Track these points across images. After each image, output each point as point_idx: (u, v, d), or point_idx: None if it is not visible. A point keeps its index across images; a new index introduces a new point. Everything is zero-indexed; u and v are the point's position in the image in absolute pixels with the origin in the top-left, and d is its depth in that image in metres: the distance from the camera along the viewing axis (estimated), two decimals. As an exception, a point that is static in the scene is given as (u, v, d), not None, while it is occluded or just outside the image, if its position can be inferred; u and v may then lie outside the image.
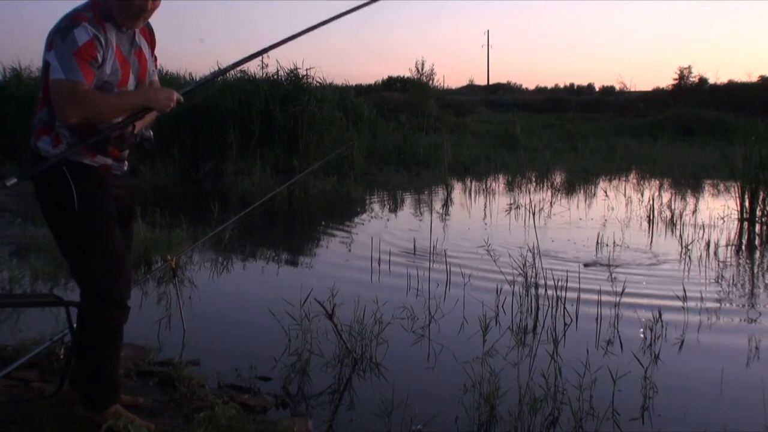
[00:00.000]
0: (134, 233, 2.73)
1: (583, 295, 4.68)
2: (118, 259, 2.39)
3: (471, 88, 47.77)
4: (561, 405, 3.02)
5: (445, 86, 33.59)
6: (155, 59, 2.60)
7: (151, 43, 2.55)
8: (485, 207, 9.45)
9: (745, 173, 8.14)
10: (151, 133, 2.52)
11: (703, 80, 34.37)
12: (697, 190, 11.23)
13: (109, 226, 2.37)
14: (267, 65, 13.84)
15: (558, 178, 12.30)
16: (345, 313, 3.90)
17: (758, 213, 7.91)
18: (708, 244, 6.63)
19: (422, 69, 26.62)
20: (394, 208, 9.54)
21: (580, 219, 8.28)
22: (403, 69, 38.61)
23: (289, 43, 2.54)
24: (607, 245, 6.57)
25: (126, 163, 2.52)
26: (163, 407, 2.79)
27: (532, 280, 4.77)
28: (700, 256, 6.26)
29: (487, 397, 2.92)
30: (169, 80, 13.74)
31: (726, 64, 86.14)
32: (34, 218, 6.27)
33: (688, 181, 12.05)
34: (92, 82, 2.23)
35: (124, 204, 2.51)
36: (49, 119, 2.31)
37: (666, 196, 9.88)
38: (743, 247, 6.99)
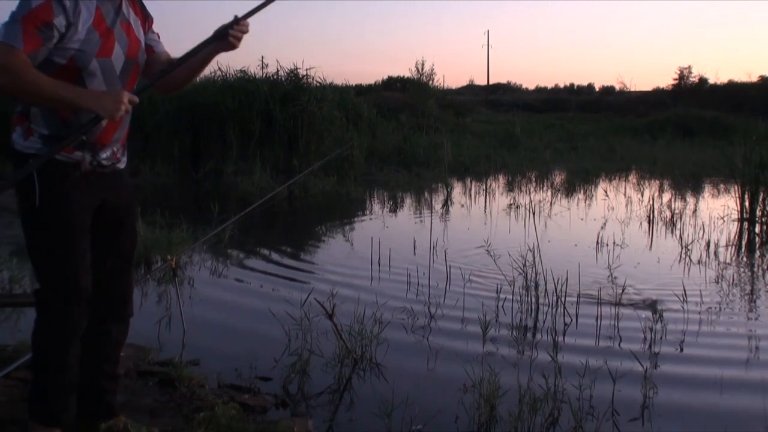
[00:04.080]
0: (136, 238, 2.47)
1: (583, 295, 4.69)
2: (72, 268, 2.17)
3: (471, 88, 47.86)
4: (561, 405, 3.01)
5: (445, 86, 33.64)
6: (156, 34, 2.38)
7: (143, 21, 2.33)
8: (485, 207, 9.45)
9: (745, 173, 8.14)
10: (108, 154, 2.21)
11: (703, 80, 34.40)
12: (697, 190, 11.23)
13: (71, 232, 2.15)
14: (267, 65, 13.89)
15: (558, 178, 12.30)
16: (345, 313, 3.90)
17: (758, 213, 7.91)
18: (708, 244, 6.63)
19: (422, 69, 26.62)
20: (394, 208, 9.54)
21: (581, 219, 8.28)
22: (403, 69, 38.69)
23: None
24: (607, 245, 6.58)
25: (121, 160, 2.31)
26: (163, 407, 2.79)
27: (532, 280, 4.77)
28: (700, 256, 6.26)
29: (487, 397, 2.91)
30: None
31: (726, 64, 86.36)
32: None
33: (688, 181, 12.05)
34: (34, 50, 1.98)
35: (117, 205, 2.32)
36: (23, 108, 2.14)
37: (666, 196, 9.88)
38: (743, 247, 6.99)
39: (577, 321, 4.30)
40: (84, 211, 2.20)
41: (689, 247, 6.53)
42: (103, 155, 2.20)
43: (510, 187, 11.34)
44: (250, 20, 2.26)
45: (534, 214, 8.04)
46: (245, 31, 2.24)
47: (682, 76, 34.88)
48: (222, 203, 7.44)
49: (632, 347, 3.80)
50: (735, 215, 8.09)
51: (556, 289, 4.54)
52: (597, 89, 46.36)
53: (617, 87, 40.25)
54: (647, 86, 60.93)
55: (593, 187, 11.43)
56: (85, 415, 2.40)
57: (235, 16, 2.23)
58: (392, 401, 2.84)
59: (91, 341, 2.37)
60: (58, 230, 2.15)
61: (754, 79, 32.94)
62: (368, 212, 9.11)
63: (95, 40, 2.09)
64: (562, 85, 50.45)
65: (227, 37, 2.22)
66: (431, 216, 8.46)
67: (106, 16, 2.13)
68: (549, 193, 10.52)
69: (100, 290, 2.33)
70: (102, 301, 2.34)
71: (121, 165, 2.32)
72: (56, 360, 2.23)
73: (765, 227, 7.74)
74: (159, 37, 2.40)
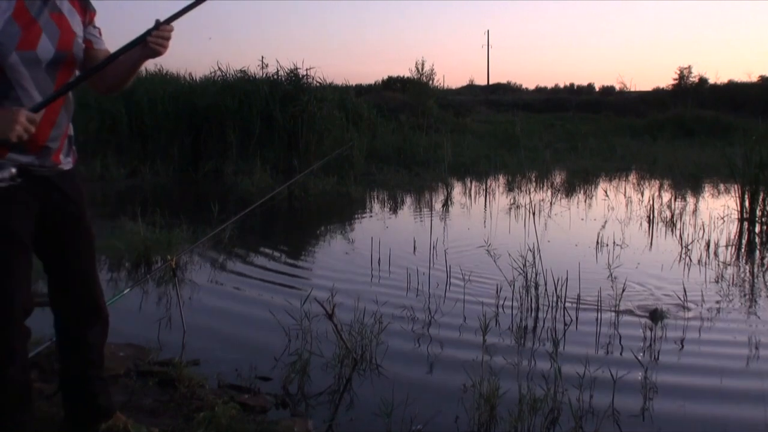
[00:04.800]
0: (91, 238, 2.32)
1: (583, 295, 4.69)
2: (5, 288, 2.03)
3: (471, 88, 47.79)
4: (561, 405, 3.02)
5: (445, 86, 33.53)
6: (98, 30, 2.25)
7: (82, 12, 2.20)
8: (485, 207, 9.45)
9: (745, 173, 8.13)
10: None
11: (703, 80, 34.34)
12: (697, 190, 11.23)
13: (5, 247, 2.02)
14: (267, 65, 13.87)
15: (558, 178, 12.30)
16: (345, 313, 3.90)
17: (758, 213, 7.91)
18: (708, 244, 6.63)
19: (422, 69, 26.50)
20: (394, 208, 9.54)
21: (582, 219, 8.28)
22: (403, 69, 38.56)
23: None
24: (607, 245, 6.58)
25: (63, 162, 2.18)
26: (163, 407, 2.79)
27: (532, 280, 4.77)
28: (700, 256, 6.26)
29: (487, 397, 2.92)
30: (169, 80, 13.74)
31: (726, 64, 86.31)
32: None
33: (688, 181, 12.04)
34: None
35: (62, 208, 2.18)
36: None
37: (666, 196, 9.88)
38: (743, 247, 6.99)
39: (577, 321, 4.30)
40: (17, 219, 2.06)
41: (689, 247, 6.53)
42: (42, 154, 2.05)
43: (510, 187, 11.34)
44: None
45: (534, 214, 8.04)
46: (167, 36, 2.05)
47: (682, 76, 34.86)
48: (222, 203, 7.44)
49: (632, 347, 3.80)
50: (735, 215, 8.09)
51: (556, 289, 4.54)
52: (597, 89, 46.31)
53: (617, 87, 40.23)
54: (647, 86, 60.83)
55: (593, 187, 11.43)
56: (81, 420, 2.40)
57: (157, 20, 2.06)
58: (392, 401, 2.84)
59: (71, 350, 2.36)
60: None
61: (754, 79, 32.90)
62: (368, 212, 9.10)
63: (14, 32, 1.97)
64: (562, 85, 50.33)
65: (147, 42, 2.04)
66: (431, 216, 8.46)
67: (29, 7, 2.03)
68: (549, 193, 10.51)
69: (70, 297, 2.27)
70: (71, 309, 2.29)
71: (65, 166, 2.19)
72: None
73: (765, 227, 7.74)
74: (101, 33, 2.27)
